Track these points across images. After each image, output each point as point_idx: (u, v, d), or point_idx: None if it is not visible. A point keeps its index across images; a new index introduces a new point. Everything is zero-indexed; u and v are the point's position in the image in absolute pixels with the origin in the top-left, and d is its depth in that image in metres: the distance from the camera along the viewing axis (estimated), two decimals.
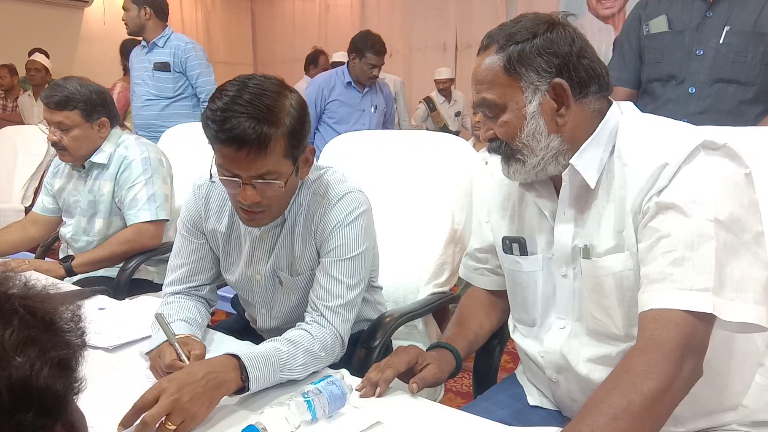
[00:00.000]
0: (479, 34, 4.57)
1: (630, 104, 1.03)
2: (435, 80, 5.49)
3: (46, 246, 2.32)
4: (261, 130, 1.05)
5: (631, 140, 0.96)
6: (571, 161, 0.98)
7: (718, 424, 1.01)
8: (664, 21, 1.96)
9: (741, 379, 1.00)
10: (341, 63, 4.34)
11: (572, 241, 1.02)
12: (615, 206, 0.96)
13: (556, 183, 1.05)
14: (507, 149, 1.01)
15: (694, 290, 0.83)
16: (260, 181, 1.11)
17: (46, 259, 2.18)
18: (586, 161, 0.97)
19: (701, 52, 1.88)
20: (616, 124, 0.98)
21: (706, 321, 0.84)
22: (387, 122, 3.76)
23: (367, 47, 3.43)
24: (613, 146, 0.97)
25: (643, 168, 0.91)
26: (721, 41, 1.85)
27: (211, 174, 1.16)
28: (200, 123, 1.12)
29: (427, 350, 1.15)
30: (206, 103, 1.12)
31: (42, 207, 2.12)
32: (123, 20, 3.34)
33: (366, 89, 3.59)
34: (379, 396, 1.04)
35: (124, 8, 3.32)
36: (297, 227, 1.26)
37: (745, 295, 0.84)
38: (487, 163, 3.09)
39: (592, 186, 0.97)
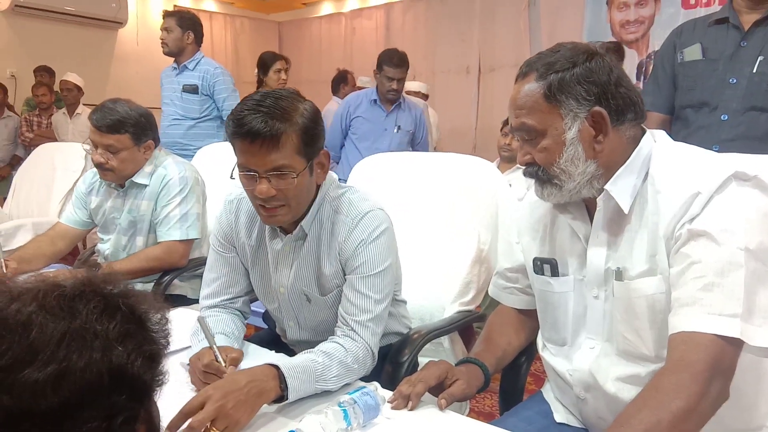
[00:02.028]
0: (502, 58, 4.60)
1: (663, 133, 1.06)
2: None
3: (84, 259, 2.39)
4: (273, 125, 1.14)
5: (665, 168, 0.99)
6: (606, 187, 1.01)
7: None
8: (699, 49, 2.00)
9: (767, 401, 1.02)
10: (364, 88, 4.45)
11: (605, 263, 1.04)
12: (648, 231, 0.99)
13: (588, 205, 1.08)
14: (544, 174, 1.04)
15: (723, 315, 0.86)
16: (274, 173, 1.17)
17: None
18: (620, 187, 1.00)
19: (734, 81, 1.91)
20: (649, 151, 1.02)
21: (734, 345, 0.87)
22: (418, 145, 3.76)
23: (386, 60, 3.50)
24: (647, 173, 1.00)
25: (676, 196, 0.94)
26: (754, 70, 1.88)
27: (232, 173, 1.23)
28: (228, 142, 1.21)
29: (456, 365, 1.19)
30: None
31: (74, 220, 2.13)
32: (162, 39, 3.48)
33: (392, 108, 3.63)
34: (410, 410, 1.08)
35: (165, 29, 3.46)
36: (322, 246, 1.31)
37: None
38: (511, 185, 3.13)
39: (626, 211, 1.00)
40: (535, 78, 1.01)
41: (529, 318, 1.29)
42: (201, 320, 1.23)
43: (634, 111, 1.01)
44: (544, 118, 1.01)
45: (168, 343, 0.61)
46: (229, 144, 1.21)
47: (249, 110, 1.15)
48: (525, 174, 1.09)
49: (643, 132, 1.04)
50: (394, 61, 3.48)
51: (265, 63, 3.93)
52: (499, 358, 1.24)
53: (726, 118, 1.92)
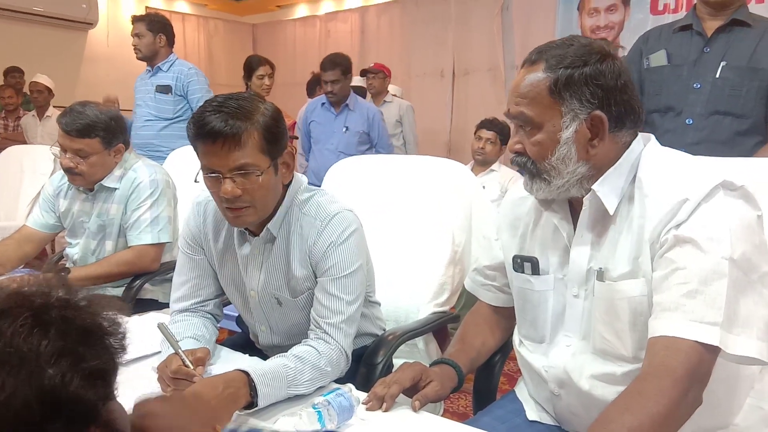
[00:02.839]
0: (476, 62, 4.66)
1: (652, 137, 1.07)
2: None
3: (52, 263, 2.35)
4: (234, 123, 1.15)
5: (653, 173, 0.99)
6: (593, 187, 1.01)
7: None
8: (664, 55, 2.05)
9: (735, 401, 1.05)
10: (359, 87, 4.51)
11: (587, 263, 1.05)
12: (632, 233, 0.99)
13: (573, 203, 1.09)
14: (533, 167, 1.04)
15: (705, 323, 0.87)
16: (238, 172, 1.17)
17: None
18: (607, 188, 1.01)
19: (698, 86, 1.96)
20: (638, 155, 1.02)
21: (712, 352, 0.88)
22: (377, 146, 3.82)
23: (321, 65, 3.66)
24: (635, 176, 1.01)
25: (663, 201, 0.95)
26: (717, 75, 1.93)
27: (196, 177, 1.22)
28: None
29: (430, 366, 1.19)
30: None
31: (41, 223, 2.08)
32: (134, 45, 3.46)
33: (341, 110, 3.75)
34: (385, 411, 1.08)
35: (136, 35, 3.43)
36: (292, 248, 1.30)
37: (749, 331, 0.88)
38: (484, 187, 3.16)
39: (611, 212, 1.01)
40: (543, 68, 0.99)
41: (504, 318, 1.30)
42: (162, 327, 1.21)
43: (633, 119, 1.01)
44: (543, 112, 1.00)
45: (124, 347, 0.56)
46: None
47: (210, 112, 1.15)
48: (513, 162, 1.08)
49: (636, 136, 1.05)
50: (324, 65, 3.63)
51: (250, 67, 3.94)
52: (473, 358, 1.25)
53: (691, 122, 1.97)
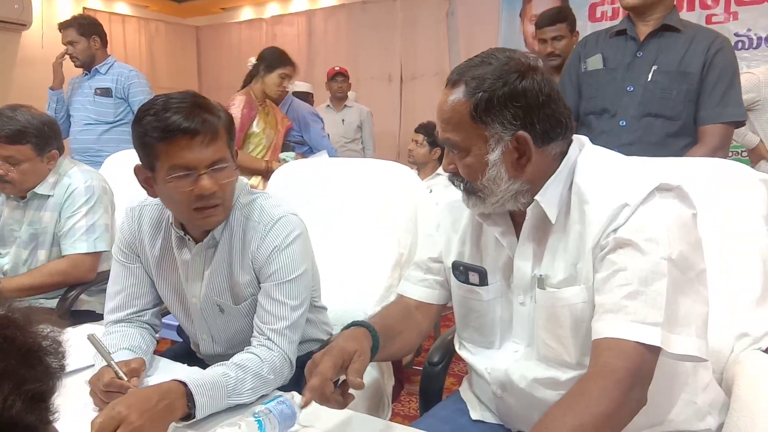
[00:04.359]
0: (423, 67, 4.70)
1: (586, 139, 1.08)
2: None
3: None
4: (209, 118, 1.15)
5: (591, 179, 1.00)
6: (536, 197, 1.01)
7: None
8: (600, 59, 2.12)
9: (670, 397, 1.07)
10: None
11: (531, 271, 1.06)
12: (570, 239, 1.00)
13: (512, 214, 1.09)
14: (468, 186, 1.04)
15: (646, 324, 0.89)
16: (213, 168, 1.16)
17: None
18: (548, 197, 1.01)
19: (632, 89, 2.03)
20: (575, 160, 1.03)
21: (653, 353, 0.90)
22: (313, 147, 3.61)
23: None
24: (571, 182, 1.02)
25: (603, 207, 0.96)
26: (649, 79, 2.00)
27: (167, 179, 1.15)
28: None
29: (342, 330, 1.10)
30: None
31: None
32: (69, 54, 3.32)
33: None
34: (303, 407, 0.96)
35: (69, 43, 3.28)
36: (234, 253, 1.27)
37: (688, 329, 0.91)
38: (431, 191, 3.18)
39: (553, 221, 1.01)
40: (463, 92, 0.99)
41: (425, 318, 1.24)
42: (92, 338, 1.16)
43: (560, 131, 1.01)
44: (468, 137, 0.99)
45: (63, 367, 0.54)
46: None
47: (175, 110, 1.12)
48: (449, 180, 1.09)
49: (569, 144, 1.05)
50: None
51: (279, 60, 3.17)
52: (390, 336, 1.14)
53: (624, 123, 2.04)
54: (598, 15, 4.93)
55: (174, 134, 1.12)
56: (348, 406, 1.02)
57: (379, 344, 1.08)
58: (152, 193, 1.24)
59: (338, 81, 4.74)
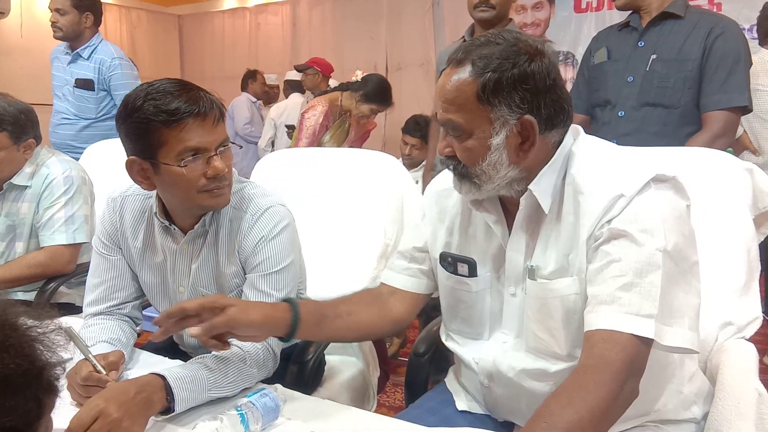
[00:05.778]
0: (409, 57, 4.66)
1: (580, 128, 1.06)
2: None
3: None
4: (213, 98, 1.16)
5: (586, 169, 0.98)
6: (530, 187, 1.00)
7: (630, 426, 1.07)
8: (605, 52, 2.13)
9: (658, 388, 1.07)
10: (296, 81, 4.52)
11: (524, 262, 1.04)
12: (563, 230, 0.99)
13: (504, 202, 1.07)
14: (464, 170, 1.01)
15: (640, 316, 0.88)
16: (222, 147, 1.17)
17: None
18: (542, 187, 0.99)
19: (632, 79, 2.02)
20: (569, 150, 1.01)
21: (647, 345, 0.89)
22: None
23: None
24: (566, 172, 1.00)
25: (599, 198, 0.94)
26: (647, 68, 1.99)
27: (179, 163, 1.12)
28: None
29: None
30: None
31: None
32: (53, 22, 2.94)
33: None
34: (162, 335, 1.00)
35: (57, 10, 2.92)
36: (221, 243, 1.25)
37: (681, 321, 0.90)
38: (417, 182, 3.16)
39: (546, 211, 1.00)
40: (469, 71, 0.95)
41: (401, 306, 1.21)
42: (69, 331, 1.12)
43: (563, 118, 0.99)
44: (472, 119, 0.96)
45: (56, 393, 0.53)
46: (119, 141, 1.14)
47: (177, 94, 1.11)
48: (442, 164, 1.06)
49: (566, 132, 1.03)
50: None
51: (374, 96, 3.22)
52: (327, 316, 1.13)
53: (623, 114, 2.04)
54: (584, 6, 4.92)
55: (184, 117, 1.10)
56: (333, 397, 1.01)
57: (299, 319, 1.06)
58: (148, 186, 1.20)
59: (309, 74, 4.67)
